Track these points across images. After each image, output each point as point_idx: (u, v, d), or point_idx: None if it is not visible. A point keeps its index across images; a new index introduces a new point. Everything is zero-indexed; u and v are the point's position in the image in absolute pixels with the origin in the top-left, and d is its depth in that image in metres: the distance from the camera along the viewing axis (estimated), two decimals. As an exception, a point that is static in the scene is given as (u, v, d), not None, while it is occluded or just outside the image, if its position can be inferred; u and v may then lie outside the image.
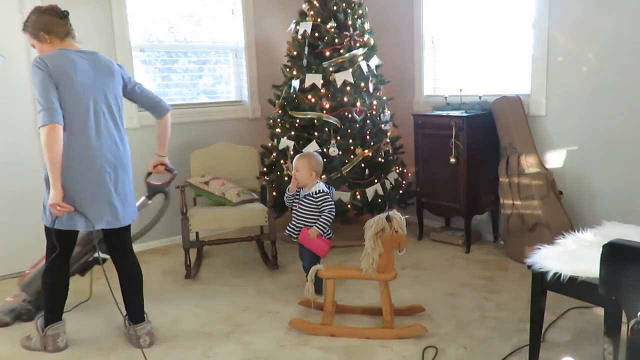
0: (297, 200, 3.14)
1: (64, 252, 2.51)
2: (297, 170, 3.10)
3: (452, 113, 3.80)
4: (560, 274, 2.02)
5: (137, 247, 4.03)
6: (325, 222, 3.05)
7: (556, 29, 3.46)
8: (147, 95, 2.70)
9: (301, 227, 3.09)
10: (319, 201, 3.06)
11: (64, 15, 2.43)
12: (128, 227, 2.66)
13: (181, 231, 3.50)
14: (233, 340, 2.67)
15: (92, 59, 2.48)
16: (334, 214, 3.09)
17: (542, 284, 2.13)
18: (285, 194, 3.20)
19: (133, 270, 2.69)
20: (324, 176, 3.77)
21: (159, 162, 2.91)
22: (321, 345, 2.58)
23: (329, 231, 3.13)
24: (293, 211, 3.17)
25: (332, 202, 3.10)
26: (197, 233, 3.83)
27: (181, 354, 2.55)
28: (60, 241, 2.46)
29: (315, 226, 3.03)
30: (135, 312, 2.65)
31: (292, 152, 3.84)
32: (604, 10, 3.22)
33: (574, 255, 2.16)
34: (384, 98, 4.09)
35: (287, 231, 3.19)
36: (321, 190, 3.08)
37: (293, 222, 3.16)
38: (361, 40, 3.91)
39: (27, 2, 3.51)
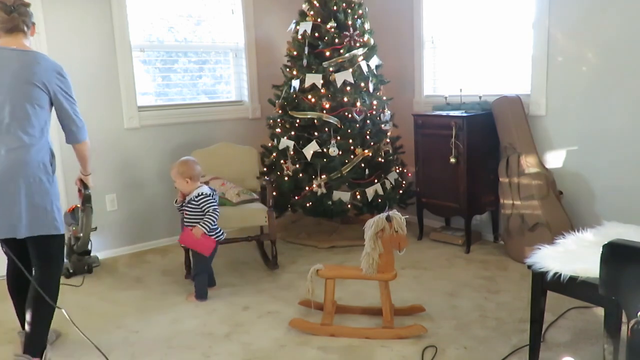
0: (184, 208, 3.19)
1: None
2: (174, 183, 3.17)
3: (452, 113, 3.80)
4: (560, 274, 2.02)
5: (137, 247, 4.11)
6: (209, 221, 3.08)
7: (556, 29, 3.46)
8: (64, 114, 2.36)
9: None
10: (200, 204, 3.10)
11: (11, 10, 2.26)
12: (38, 240, 2.29)
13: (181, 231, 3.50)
14: (233, 340, 2.67)
15: (24, 59, 2.24)
16: (217, 213, 3.12)
17: (542, 284, 2.13)
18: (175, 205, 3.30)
19: (33, 290, 2.30)
20: (324, 176, 3.77)
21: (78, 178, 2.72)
22: (321, 345, 2.58)
23: (219, 231, 3.17)
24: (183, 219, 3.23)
25: (215, 203, 3.13)
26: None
27: (181, 354, 2.55)
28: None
29: (199, 225, 3.06)
30: (25, 340, 2.32)
31: (292, 152, 3.84)
32: (604, 10, 3.22)
33: (574, 255, 2.16)
34: (384, 98, 4.09)
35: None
36: (201, 193, 3.11)
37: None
38: (361, 40, 3.91)
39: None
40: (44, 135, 2.31)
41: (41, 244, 2.32)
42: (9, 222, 2.20)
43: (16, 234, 2.22)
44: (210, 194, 3.14)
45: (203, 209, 3.10)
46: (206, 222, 3.08)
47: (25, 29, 2.31)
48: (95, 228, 3.34)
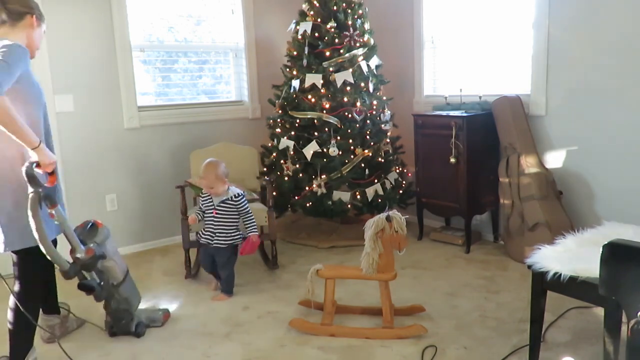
0: (211, 208, 3.15)
1: None
2: (210, 186, 3.10)
3: (452, 113, 3.80)
4: (560, 274, 2.02)
5: (138, 247, 4.11)
6: (253, 222, 3.15)
7: (556, 29, 3.46)
8: None
9: (219, 233, 3.12)
10: (239, 204, 3.13)
11: None
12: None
13: (181, 231, 3.50)
14: (233, 340, 2.67)
15: None
16: (251, 212, 3.17)
17: (542, 284, 2.13)
18: (197, 213, 3.21)
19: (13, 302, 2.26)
20: (324, 176, 3.77)
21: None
22: (321, 345, 2.58)
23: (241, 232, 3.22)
24: (206, 219, 3.18)
25: (247, 203, 3.19)
26: (197, 233, 3.82)
27: (181, 354, 2.55)
28: None
29: (252, 233, 3.11)
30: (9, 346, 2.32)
31: (292, 152, 3.84)
32: (603, 10, 3.22)
33: (574, 255, 2.16)
34: (384, 98, 4.09)
35: (203, 239, 3.17)
36: (238, 194, 3.16)
37: (209, 229, 3.15)
38: (361, 40, 3.91)
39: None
40: None
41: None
42: None
43: None
44: (242, 194, 3.20)
45: (241, 209, 3.14)
46: (253, 224, 3.13)
47: (6, 18, 2.11)
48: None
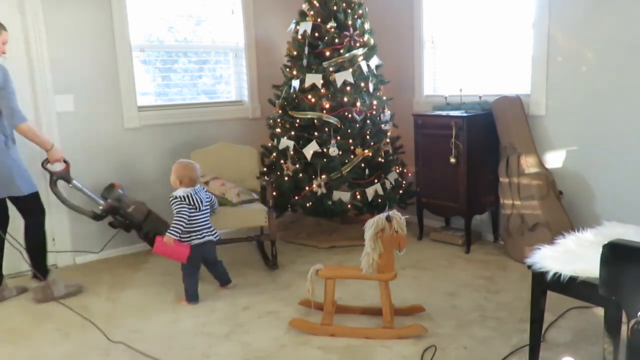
0: None
1: None
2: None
3: (452, 113, 3.80)
4: (560, 274, 2.01)
5: (137, 247, 4.10)
6: (173, 225, 2.97)
7: (556, 29, 3.46)
8: (5, 104, 3.03)
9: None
10: (171, 205, 3.03)
11: None
12: (20, 199, 3.13)
13: (181, 231, 3.50)
14: (233, 340, 2.67)
15: None
16: (180, 217, 2.97)
17: (542, 284, 2.13)
18: None
19: (26, 232, 3.24)
20: (324, 176, 3.77)
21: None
22: (321, 345, 2.58)
23: (188, 237, 3.05)
24: None
25: (181, 206, 3.00)
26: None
27: (181, 354, 2.55)
28: None
29: (167, 232, 2.97)
30: (32, 272, 3.32)
31: (292, 152, 3.84)
32: (604, 10, 3.22)
33: (574, 255, 2.16)
34: (384, 98, 4.09)
35: None
36: (172, 196, 3.04)
37: None
38: (361, 40, 3.91)
39: (27, 2, 3.51)
40: None
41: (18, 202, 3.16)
42: None
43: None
44: (176, 196, 3.03)
45: (173, 211, 3.04)
46: (171, 227, 2.98)
47: None
48: (92, 213, 3.51)
